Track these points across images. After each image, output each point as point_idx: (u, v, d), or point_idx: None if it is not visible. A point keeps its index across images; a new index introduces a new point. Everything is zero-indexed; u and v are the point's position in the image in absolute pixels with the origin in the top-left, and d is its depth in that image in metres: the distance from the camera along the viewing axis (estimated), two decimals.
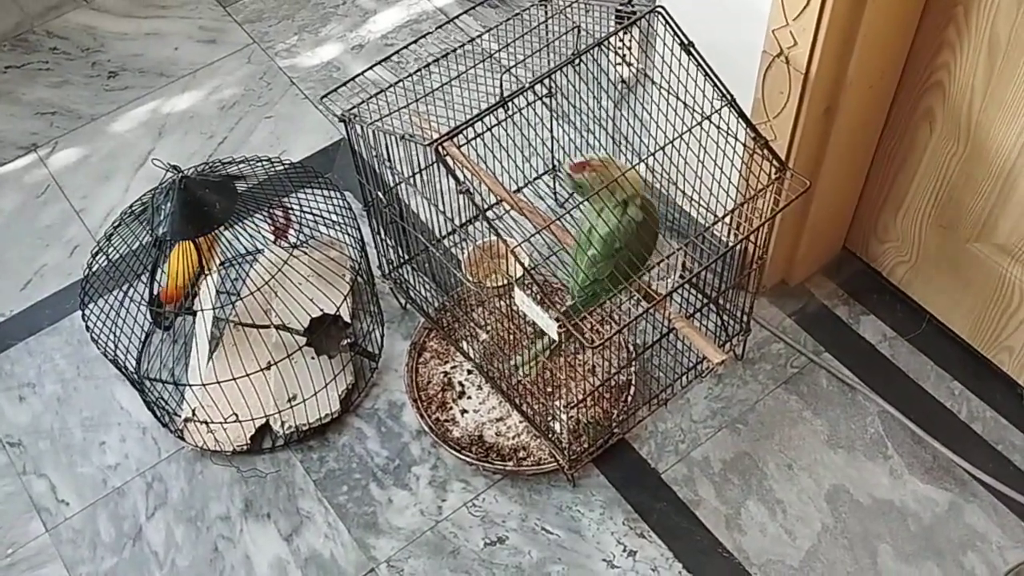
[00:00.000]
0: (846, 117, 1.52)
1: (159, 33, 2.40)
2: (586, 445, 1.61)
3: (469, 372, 1.74)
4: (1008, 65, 1.38)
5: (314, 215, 1.69)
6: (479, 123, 1.30)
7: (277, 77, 2.28)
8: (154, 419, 1.72)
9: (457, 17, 2.05)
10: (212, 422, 1.66)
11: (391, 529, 1.61)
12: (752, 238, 1.40)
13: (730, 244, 1.40)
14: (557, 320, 1.27)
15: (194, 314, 1.71)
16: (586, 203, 1.36)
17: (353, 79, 1.54)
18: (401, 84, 1.50)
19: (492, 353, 1.65)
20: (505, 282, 1.68)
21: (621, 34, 1.60)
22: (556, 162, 1.90)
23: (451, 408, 1.70)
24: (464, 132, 1.29)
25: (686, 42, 1.33)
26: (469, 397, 1.72)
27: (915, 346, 1.76)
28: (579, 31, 1.58)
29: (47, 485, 1.69)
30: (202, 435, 1.68)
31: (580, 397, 1.56)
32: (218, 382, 1.60)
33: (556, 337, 1.31)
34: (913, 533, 1.57)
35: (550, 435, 1.57)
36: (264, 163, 1.71)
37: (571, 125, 1.68)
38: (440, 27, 1.71)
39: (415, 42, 1.63)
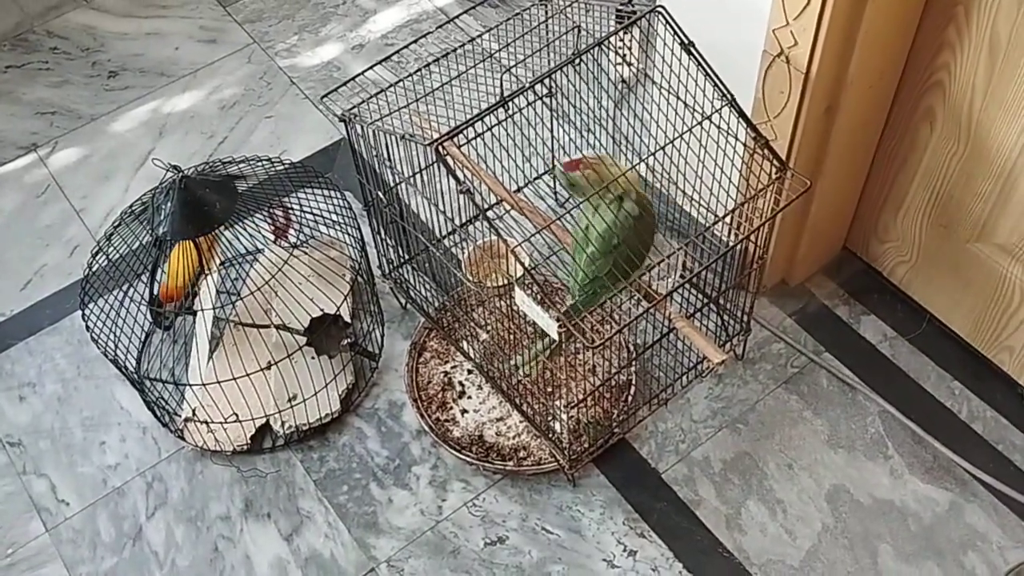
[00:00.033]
0: (846, 117, 1.52)
1: (159, 33, 2.40)
2: (586, 445, 1.61)
3: (469, 372, 1.74)
4: (1008, 65, 1.38)
5: (314, 215, 1.68)
6: (479, 123, 1.30)
7: (277, 77, 2.28)
8: (154, 419, 1.72)
9: (457, 17, 2.05)
10: (212, 422, 1.66)
11: (391, 529, 1.61)
12: (752, 238, 1.40)
13: (730, 244, 1.40)
14: (557, 320, 1.27)
15: (194, 314, 1.71)
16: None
17: (353, 79, 1.54)
18: (401, 84, 1.50)
19: (492, 353, 1.65)
20: (505, 282, 1.68)
21: (621, 34, 1.60)
22: (554, 161, 1.90)
23: (451, 408, 1.70)
24: (464, 132, 1.29)
25: (686, 42, 1.33)
26: (469, 397, 1.72)
27: (915, 346, 1.76)
28: (579, 31, 1.58)
29: (47, 485, 1.69)
30: (202, 435, 1.68)
31: (580, 397, 1.56)
32: (218, 382, 1.60)
33: (556, 337, 1.31)
34: (913, 533, 1.57)
35: (550, 435, 1.57)
36: (264, 163, 1.71)
37: (571, 125, 1.68)
38: (440, 27, 1.71)
39: (415, 42, 1.63)
